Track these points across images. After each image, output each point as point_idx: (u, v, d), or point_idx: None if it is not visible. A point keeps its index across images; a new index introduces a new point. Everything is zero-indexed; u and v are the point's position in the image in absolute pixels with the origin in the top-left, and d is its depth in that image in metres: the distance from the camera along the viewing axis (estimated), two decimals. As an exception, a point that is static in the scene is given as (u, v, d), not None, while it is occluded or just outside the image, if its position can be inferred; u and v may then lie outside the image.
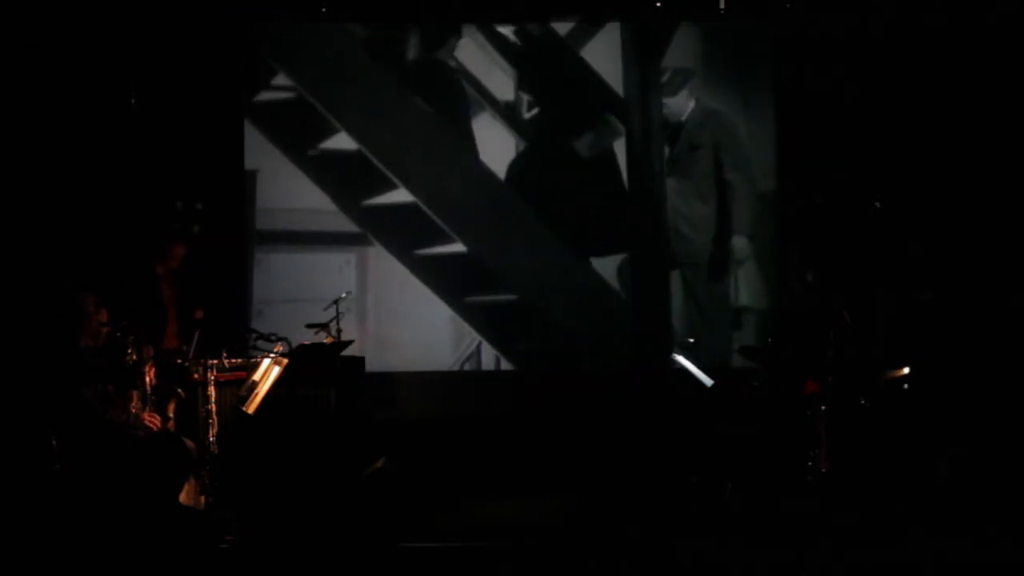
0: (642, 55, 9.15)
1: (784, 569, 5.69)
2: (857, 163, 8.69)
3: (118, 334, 6.19)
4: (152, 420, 6.16)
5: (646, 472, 7.66)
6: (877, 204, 8.35)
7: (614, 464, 7.94)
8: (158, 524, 5.90)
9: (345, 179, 9.09)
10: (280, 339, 6.89)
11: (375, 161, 9.05)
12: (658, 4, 8.94)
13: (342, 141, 9.07)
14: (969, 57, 8.52)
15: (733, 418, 7.18)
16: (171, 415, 6.33)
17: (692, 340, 7.86)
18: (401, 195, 9.08)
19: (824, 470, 6.67)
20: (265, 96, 9.14)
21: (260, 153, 9.10)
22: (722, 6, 8.92)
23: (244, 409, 6.59)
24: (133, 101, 8.54)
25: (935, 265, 8.43)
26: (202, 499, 6.41)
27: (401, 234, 9.11)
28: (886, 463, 6.82)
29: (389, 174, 9.06)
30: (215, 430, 6.54)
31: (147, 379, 6.27)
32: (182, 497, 6.25)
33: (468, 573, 5.86)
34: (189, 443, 6.31)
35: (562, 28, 9.17)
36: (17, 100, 8.06)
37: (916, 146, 8.63)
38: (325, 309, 8.02)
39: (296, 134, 9.11)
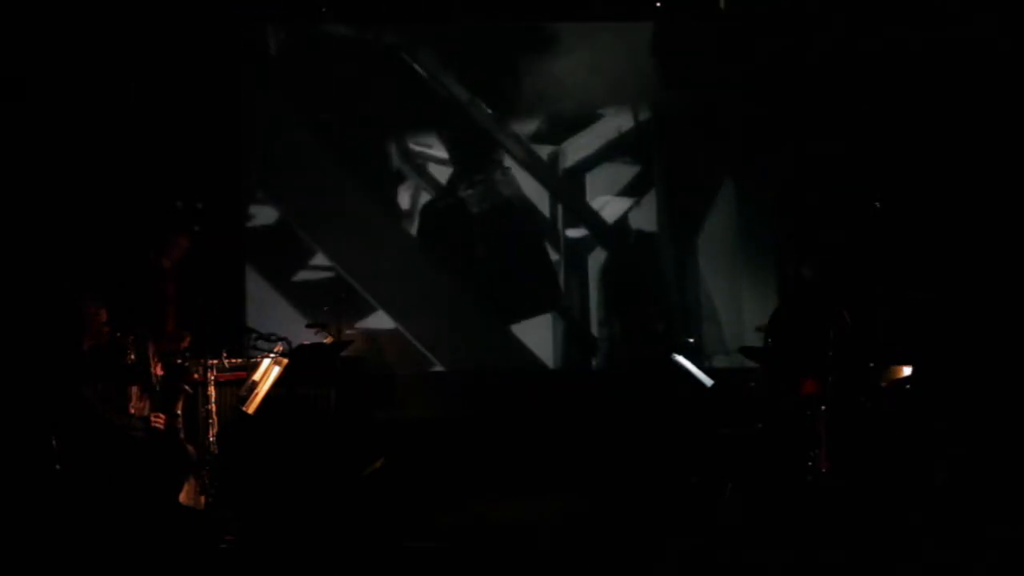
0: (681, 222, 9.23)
1: (784, 569, 5.70)
2: (857, 163, 8.70)
3: (118, 334, 6.19)
4: (157, 420, 6.15)
5: (646, 472, 7.66)
6: (877, 204, 8.35)
7: (614, 464, 7.95)
8: (158, 524, 5.90)
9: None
10: (280, 339, 6.89)
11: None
12: (658, 4, 8.94)
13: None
14: (969, 57, 8.52)
15: (733, 418, 7.18)
16: (179, 412, 6.32)
17: (692, 340, 7.86)
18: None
19: (824, 470, 6.67)
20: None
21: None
22: (722, 6, 8.93)
23: (244, 409, 6.59)
24: (133, 100, 8.53)
25: (935, 265, 8.43)
26: (202, 499, 6.40)
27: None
28: (886, 463, 6.82)
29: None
30: (215, 430, 6.54)
31: (154, 375, 6.26)
32: (182, 497, 6.24)
33: (468, 573, 5.86)
34: (190, 448, 6.32)
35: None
36: (17, 100, 8.07)
37: (916, 146, 8.63)
38: (325, 310, 8.02)
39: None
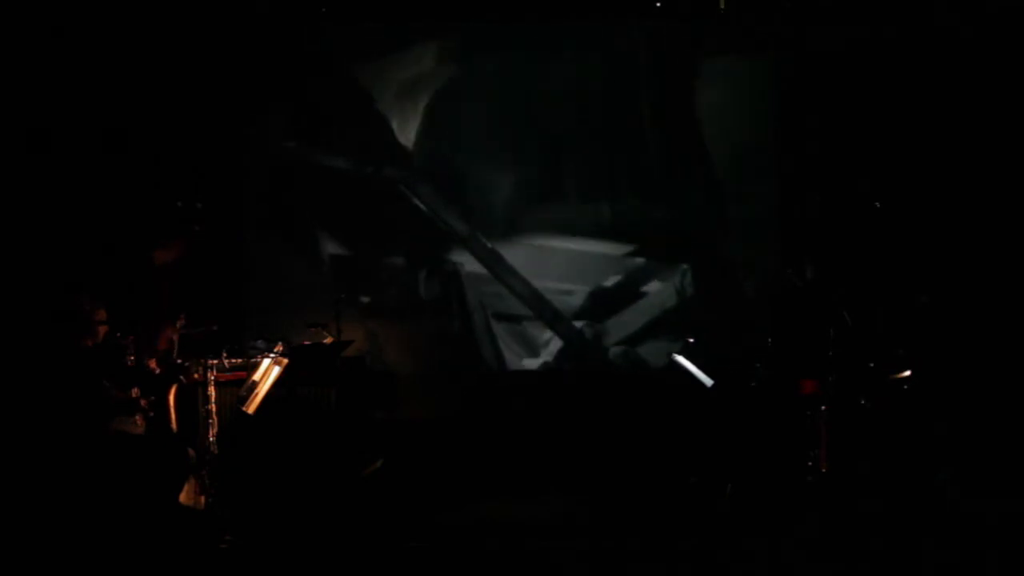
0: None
1: (785, 569, 5.70)
2: (858, 163, 8.70)
3: (118, 334, 6.20)
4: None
5: (646, 472, 7.66)
6: (877, 204, 8.35)
7: (614, 464, 7.95)
8: (158, 524, 5.90)
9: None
10: (280, 339, 6.90)
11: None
12: (658, 4, 8.94)
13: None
14: (968, 59, 8.52)
15: (733, 418, 7.18)
16: (171, 402, 6.34)
17: (692, 340, 7.85)
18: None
19: (824, 470, 6.67)
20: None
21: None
22: (722, 6, 8.92)
23: (244, 409, 6.59)
24: (132, 99, 8.52)
25: (935, 266, 8.43)
26: (202, 499, 6.41)
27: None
28: (886, 463, 6.83)
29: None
30: (215, 430, 6.54)
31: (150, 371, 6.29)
32: (182, 497, 6.25)
33: (468, 573, 5.86)
34: (190, 451, 6.32)
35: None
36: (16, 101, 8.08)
37: (916, 146, 8.63)
38: (343, 296, 8.03)
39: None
